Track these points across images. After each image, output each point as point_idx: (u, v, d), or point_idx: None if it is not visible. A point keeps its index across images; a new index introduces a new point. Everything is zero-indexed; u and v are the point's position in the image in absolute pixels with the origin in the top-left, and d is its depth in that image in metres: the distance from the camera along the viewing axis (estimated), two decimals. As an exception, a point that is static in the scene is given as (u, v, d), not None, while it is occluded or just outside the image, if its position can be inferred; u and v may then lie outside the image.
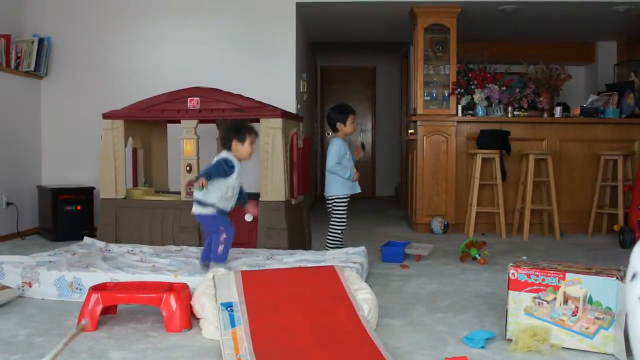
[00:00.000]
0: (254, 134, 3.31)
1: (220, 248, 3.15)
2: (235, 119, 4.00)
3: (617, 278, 2.25)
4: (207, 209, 3.16)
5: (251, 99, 4.22)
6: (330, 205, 3.99)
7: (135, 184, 4.70)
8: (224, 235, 3.15)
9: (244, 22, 5.61)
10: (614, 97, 5.84)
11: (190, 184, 4.06)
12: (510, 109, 5.66)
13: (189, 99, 4.11)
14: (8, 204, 4.99)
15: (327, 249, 3.90)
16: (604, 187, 5.46)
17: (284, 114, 4.03)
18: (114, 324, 2.62)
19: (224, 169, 3.13)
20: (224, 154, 3.23)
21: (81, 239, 4.10)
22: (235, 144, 3.22)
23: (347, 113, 3.99)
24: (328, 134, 9.00)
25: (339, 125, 3.99)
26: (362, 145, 4.35)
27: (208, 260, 3.21)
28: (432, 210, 5.66)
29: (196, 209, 3.20)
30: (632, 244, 4.41)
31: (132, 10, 5.62)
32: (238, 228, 4.01)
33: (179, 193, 4.22)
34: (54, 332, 2.52)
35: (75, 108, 5.59)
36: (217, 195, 3.15)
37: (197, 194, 3.14)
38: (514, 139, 5.47)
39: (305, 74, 6.50)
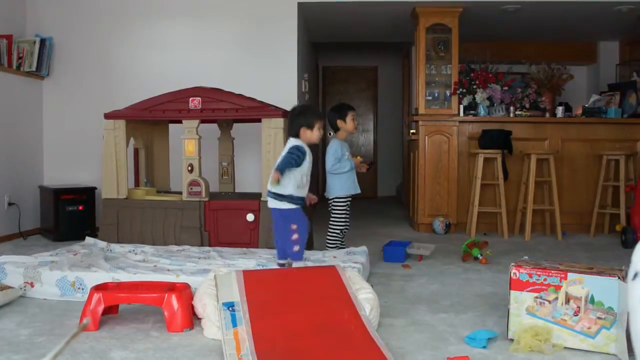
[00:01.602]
0: (321, 118, 3.32)
1: (296, 247, 3.16)
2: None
3: (619, 278, 2.25)
4: (283, 202, 3.14)
5: (253, 99, 4.23)
6: (331, 206, 4.00)
7: (136, 184, 4.70)
8: (295, 236, 3.14)
9: (246, 22, 5.61)
10: (616, 97, 5.83)
11: (192, 184, 4.06)
12: (512, 108, 5.65)
13: (190, 99, 4.11)
14: (10, 204, 5.00)
15: (327, 249, 3.91)
16: (606, 187, 5.45)
17: (286, 114, 4.03)
18: (116, 323, 2.62)
19: (295, 158, 3.12)
20: (293, 141, 3.22)
21: (83, 239, 4.11)
22: (303, 130, 3.22)
23: (345, 110, 4.02)
24: (330, 134, 8.98)
25: (339, 123, 4.01)
26: (370, 164, 4.34)
27: (284, 258, 3.24)
28: (433, 210, 5.65)
29: (272, 203, 3.18)
30: (634, 243, 4.39)
31: (133, 11, 5.62)
32: (239, 228, 4.04)
33: (180, 193, 4.22)
34: (55, 331, 2.53)
35: (77, 108, 5.60)
36: (293, 185, 3.14)
37: (273, 187, 3.13)
38: (515, 139, 5.46)
39: (307, 74, 6.50)
